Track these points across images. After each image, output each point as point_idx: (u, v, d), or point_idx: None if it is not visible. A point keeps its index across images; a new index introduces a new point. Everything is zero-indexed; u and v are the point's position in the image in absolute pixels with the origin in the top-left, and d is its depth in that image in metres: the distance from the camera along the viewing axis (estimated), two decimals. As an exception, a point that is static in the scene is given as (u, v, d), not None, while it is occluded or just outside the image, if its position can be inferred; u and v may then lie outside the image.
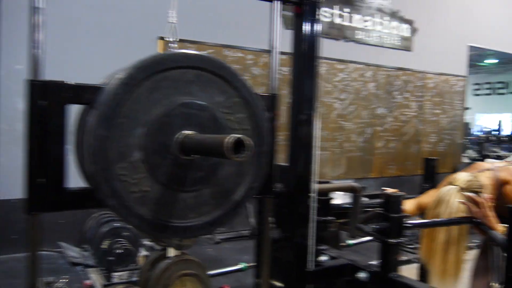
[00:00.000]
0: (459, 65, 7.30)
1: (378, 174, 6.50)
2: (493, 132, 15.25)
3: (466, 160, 7.53)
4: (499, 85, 22.10)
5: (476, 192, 1.84)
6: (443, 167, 7.18)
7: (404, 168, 6.76)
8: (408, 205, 2.09)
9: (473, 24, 7.41)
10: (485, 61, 17.20)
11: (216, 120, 1.05)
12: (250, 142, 0.85)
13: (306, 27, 1.51)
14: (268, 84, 1.49)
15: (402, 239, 1.34)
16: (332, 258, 1.57)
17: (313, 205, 1.42)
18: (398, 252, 1.35)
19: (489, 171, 2.07)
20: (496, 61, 16.93)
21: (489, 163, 2.19)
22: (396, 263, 1.36)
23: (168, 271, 1.28)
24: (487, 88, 22.64)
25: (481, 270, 2.43)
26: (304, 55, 1.52)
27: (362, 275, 1.40)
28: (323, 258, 1.58)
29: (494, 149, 9.70)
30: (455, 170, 7.41)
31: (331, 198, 1.65)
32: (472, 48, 7.45)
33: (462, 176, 1.89)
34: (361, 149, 6.24)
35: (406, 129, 6.70)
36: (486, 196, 1.89)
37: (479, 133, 16.57)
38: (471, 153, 9.33)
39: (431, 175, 2.80)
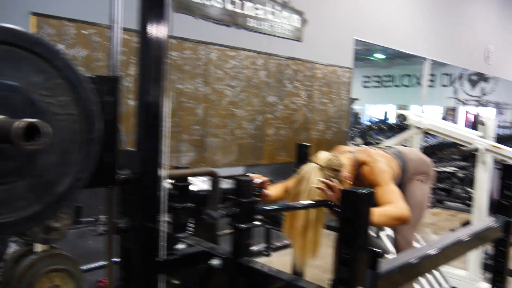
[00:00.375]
0: (346, 57, 7.69)
1: (269, 161, 6.66)
2: (380, 122, 16.37)
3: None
4: (386, 78, 23.82)
5: (336, 170, 1.94)
6: (330, 154, 7.57)
7: (294, 155, 6.98)
8: (274, 189, 2.14)
9: (360, 18, 7.85)
10: (374, 56, 18.35)
11: (32, 103, 0.95)
12: (47, 128, 0.77)
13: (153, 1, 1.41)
14: (109, 65, 1.40)
15: (253, 224, 1.35)
16: (190, 246, 1.55)
17: (165, 191, 1.38)
18: (249, 237, 1.35)
19: (349, 153, 2.19)
20: (383, 56, 18.17)
21: (352, 147, 2.32)
22: (248, 248, 1.36)
23: (33, 267, 1.17)
24: (376, 81, 24.29)
25: None
26: (151, 33, 1.43)
27: (214, 261, 1.39)
28: (180, 246, 1.55)
29: (379, 137, 10.46)
30: (341, 156, 7.86)
31: (189, 184, 1.62)
32: (358, 42, 7.89)
33: (323, 155, 1.98)
34: (252, 136, 6.34)
35: (296, 117, 6.93)
36: (345, 175, 2.00)
37: (367, 122, 17.68)
38: (359, 140, 9.97)
39: (303, 160, 2.89)
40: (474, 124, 3.21)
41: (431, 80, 20.66)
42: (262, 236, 4.64)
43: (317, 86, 7.18)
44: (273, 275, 1.24)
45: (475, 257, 3.37)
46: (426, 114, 3.55)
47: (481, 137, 3.15)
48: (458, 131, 3.21)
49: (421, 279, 3.29)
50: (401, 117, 3.43)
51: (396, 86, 23.15)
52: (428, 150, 6.31)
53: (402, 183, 2.34)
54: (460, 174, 6.52)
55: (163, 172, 1.39)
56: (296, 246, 1.78)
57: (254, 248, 4.40)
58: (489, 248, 3.93)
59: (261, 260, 4.37)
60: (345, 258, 1.03)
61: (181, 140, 5.53)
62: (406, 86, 22.85)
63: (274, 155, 6.72)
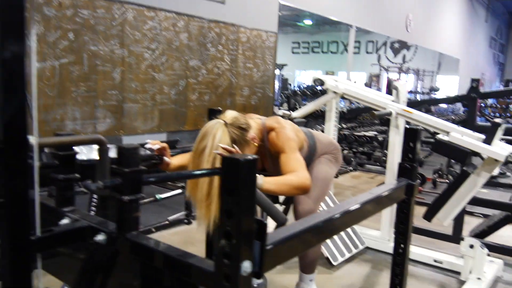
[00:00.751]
0: (271, 22, 7.59)
1: (193, 127, 6.50)
2: (307, 88, 16.55)
3: (279, 113, 8.04)
4: (314, 45, 24.11)
5: (242, 129, 1.85)
6: (255, 120, 7.54)
7: (219, 121, 6.88)
8: (180, 158, 2.03)
9: (285, -18, 7.74)
10: (303, 22, 18.41)
11: None
12: None
13: None
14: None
15: (138, 196, 1.23)
16: (76, 220, 1.40)
17: (36, 161, 1.22)
18: (136, 210, 1.23)
19: (259, 119, 2.12)
20: (311, 22, 18.30)
21: (258, 115, 2.25)
22: (135, 222, 1.25)
23: None
24: (305, 47, 24.52)
25: None
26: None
27: (99, 237, 1.27)
28: (65, 221, 1.40)
29: (306, 103, 10.58)
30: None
31: (75, 153, 1.46)
32: (284, 6, 7.80)
33: (230, 113, 1.88)
34: (174, 101, 6.13)
35: (220, 82, 6.78)
36: (251, 135, 1.92)
37: (296, 88, 17.83)
38: (285, 106, 10.02)
39: None
40: (388, 89, 3.30)
41: (357, 47, 21.20)
42: (183, 204, 4.55)
43: (241, 51, 7.04)
44: (161, 251, 1.13)
45: (387, 217, 3.49)
46: (342, 79, 3.55)
47: (393, 101, 3.21)
48: (372, 95, 3.25)
49: (336, 238, 3.37)
50: (318, 82, 3.41)
51: (324, 52, 23.54)
52: (348, 115, 6.44)
53: (309, 163, 2.31)
54: (380, 138, 6.73)
55: (34, 140, 1.22)
56: (200, 214, 1.69)
57: (175, 216, 4.30)
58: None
59: (182, 228, 4.26)
60: (227, 230, 0.94)
61: (96, 106, 5.22)
62: (333, 52, 23.29)
63: (198, 121, 6.56)
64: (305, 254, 2.35)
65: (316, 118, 6.88)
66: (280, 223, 1.43)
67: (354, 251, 3.41)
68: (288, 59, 23.10)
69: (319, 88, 4.14)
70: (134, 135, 5.64)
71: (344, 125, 7.12)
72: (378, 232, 3.64)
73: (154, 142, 1.89)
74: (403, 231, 1.86)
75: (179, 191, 4.92)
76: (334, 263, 3.19)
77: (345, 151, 7.20)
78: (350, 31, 10.32)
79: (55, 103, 4.84)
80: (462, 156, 2.65)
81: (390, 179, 3.39)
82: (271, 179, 1.75)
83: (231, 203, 0.93)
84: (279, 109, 9.22)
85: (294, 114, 3.69)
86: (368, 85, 16.55)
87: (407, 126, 1.81)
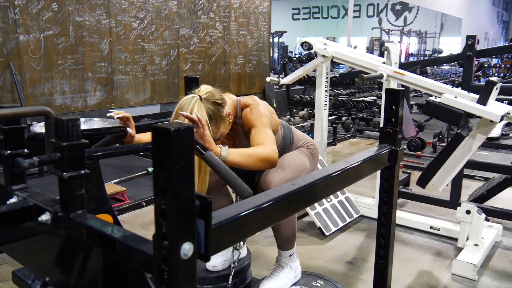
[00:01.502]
0: (264, -14, 7.34)
1: (187, 98, 6.36)
2: (305, 55, 16.29)
3: (267, 79, 7.83)
4: (315, 10, 23.59)
5: (217, 104, 1.79)
6: (252, 88, 7.38)
7: (213, 91, 6.73)
8: (147, 135, 1.92)
9: None
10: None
11: None
12: None
13: None
14: None
15: (82, 172, 1.11)
16: (24, 199, 1.30)
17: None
18: (79, 188, 1.12)
19: (236, 96, 2.04)
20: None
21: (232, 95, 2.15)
22: (80, 201, 1.14)
23: None
24: (305, 13, 24.02)
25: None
26: None
27: (43, 217, 1.16)
28: (12, 200, 1.30)
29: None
30: (263, 90, 7.68)
31: (23, 127, 1.35)
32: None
33: (205, 87, 1.81)
34: (166, 72, 5.98)
35: (213, 50, 6.59)
36: (226, 111, 1.83)
37: (297, 56, 17.56)
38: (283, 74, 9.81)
39: None
40: (381, 50, 3.15)
41: (357, 11, 20.72)
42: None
43: (234, 17, 6.83)
44: (102, 232, 1.03)
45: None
46: (331, 42, 3.38)
47: (384, 63, 3.05)
48: (362, 58, 3.08)
49: (329, 208, 3.28)
50: (306, 45, 3.24)
51: (324, 18, 23.05)
52: (341, 79, 6.25)
53: (282, 153, 2.16)
54: (380, 103, 6.56)
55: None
56: None
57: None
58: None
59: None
60: (162, 209, 0.82)
61: (85, 78, 5.08)
62: (334, 17, 22.82)
63: (192, 92, 6.42)
64: (279, 230, 2.18)
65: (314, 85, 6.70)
66: (243, 196, 1.32)
67: (348, 220, 3.32)
68: (288, 26, 22.70)
69: (308, 52, 3.97)
70: (126, 107, 5.52)
71: (342, 91, 6.95)
72: (373, 200, 3.54)
73: (117, 112, 1.77)
74: (387, 200, 1.75)
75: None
76: (327, 233, 3.11)
77: (344, 118, 7.05)
78: (350, -6, 10.00)
79: (42, 76, 4.71)
80: (455, 118, 2.51)
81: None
82: (236, 151, 1.66)
83: (163, 178, 0.82)
84: (269, 76, 9.02)
85: (283, 80, 3.54)
86: (370, 49, 16.19)
87: (388, 88, 1.67)
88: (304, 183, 1.19)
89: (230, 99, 1.96)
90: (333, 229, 3.17)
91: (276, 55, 17.57)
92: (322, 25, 23.08)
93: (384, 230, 1.79)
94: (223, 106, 1.83)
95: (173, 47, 5.99)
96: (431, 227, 3.19)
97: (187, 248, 0.86)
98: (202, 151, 1.44)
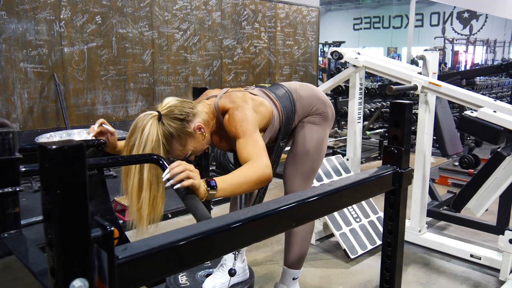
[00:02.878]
0: (312, -5, 7.18)
1: (230, 109, 6.32)
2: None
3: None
4: (376, 20, 23.03)
5: (181, 120, 1.60)
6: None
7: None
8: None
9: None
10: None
11: None
12: None
13: None
14: None
15: (15, 189, 1.04)
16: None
17: None
18: (13, 206, 1.05)
19: (214, 98, 1.82)
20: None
21: (221, 90, 1.90)
22: (15, 220, 1.06)
23: None
24: (367, 23, 23.50)
25: (233, 201, 2.38)
26: None
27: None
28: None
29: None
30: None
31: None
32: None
33: (166, 102, 1.62)
34: (208, 82, 5.96)
35: (257, 61, 6.51)
36: (196, 125, 1.66)
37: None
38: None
39: None
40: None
41: (419, 20, 19.95)
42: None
43: (280, 27, 6.72)
44: (21, 258, 0.94)
45: (417, 205, 3.10)
46: (365, 51, 3.17)
47: (420, 74, 2.80)
48: (395, 68, 2.85)
49: (357, 228, 3.05)
50: (336, 55, 3.06)
51: (385, 27, 22.42)
52: (380, 91, 5.92)
53: (286, 133, 1.98)
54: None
55: None
56: (131, 208, 1.48)
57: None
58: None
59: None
60: (48, 238, 0.72)
61: (127, 89, 5.17)
62: (396, 27, 22.14)
63: (235, 103, 6.37)
64: (290, 247, 2.06)
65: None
66: (201, 221, 1.16)
67: (378, 243, 3.07)
68: (349, 36, 22.30)
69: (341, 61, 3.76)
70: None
71: (384, 103, 6.61)
72: (408, 222, 3.27)
73: (92, 129, 1.69)
74: (392, 229, 1.54)
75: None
76: (352, 256, 2.88)
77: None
78: (411, 2, 9.62)
79: (84, 87, 4.83)
80: (494, 136, 2.24)
81: (419, 164, 3.00)
82: (225, 184, 1.40)
83: (48, 203, 0.70)
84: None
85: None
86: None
87: (393, 100, 1.47)
88: (262, 210, 1.04)
89: (207, 105, 1.77)
90: (360, 252, 2.94)
91: (333, 65, 17.28)
92: (383, 35, 22.47)
93: (389, 263, 1.58)
94: (188, 121, 1.62)
95: (216, 57, 5.98)
96: (471, 255, 2.87)
97: (76, 286, 0.74)
98: (184, 195, 1.28)
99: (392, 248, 1.56)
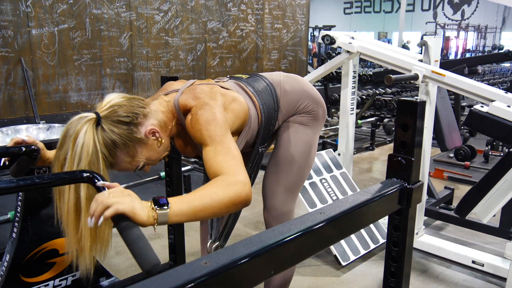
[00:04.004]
0: (303, -24, 6.82)
1: (214, 96, 5.99)
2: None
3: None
4: (366, 3, 22.67)
5: (125, 123, 1.25)
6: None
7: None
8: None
9: None
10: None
11: None
12: None
13: None
14: None
15: None
16: None
17: None
18: None
19: (175, 92, 1.47)
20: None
21: (185, 81, 1.54)
22: None
23: None
24: (357, 7, 23.13)
25: (203, 224, 1.97)
26: None
27: None
28: None
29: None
30: (300, 88, 7.19)
31: None
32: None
33: (108, 100, 1.26)
34: (192, 68, 5.62)
35: (244, 45, 6.17)
36: (149, 128, 1.30)
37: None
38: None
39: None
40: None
41: (411, 5, 19.63)
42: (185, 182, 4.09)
43: (268, 10, 6.36)
44: None
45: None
46: (359, 35, 2.87)
47: (421, 61, 2.51)
48: (393, 54, 2.56)
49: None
50: (327, 40, 2.75)
51: (376, 12, 22.08)
52: (375, 78, 5.63)
53: (267, 136, 1.65)
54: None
55: None
56: (68, 239, 1.17)
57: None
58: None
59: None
60: None
61: (103, 75, 4.81)
62: (387, 12, 21.81)
63: (220, 89, 6.03)
64: (271, 279, 1.72)
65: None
66: (146, 269, 0.85)
67: (372, 247, 2.81)
68: (340, 21, 21.90)
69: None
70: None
71: (388, 90, 6.34)
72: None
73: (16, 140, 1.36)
74: (396, 256, 1.26)
75: (189, 167, 4.46)
76: (343, 263, 2.62)
77: (386, 120, 6.45)
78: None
79: (56, 72, 4.47)
80: (506, 133, 1.96)
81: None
82: (182, 205, 1.05)
83: None
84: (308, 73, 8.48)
85: (302, 80, 3.06)
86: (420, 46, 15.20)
87: (400, 98, 1.18)
88: (227, 260, 0.74)
89: (164, 102, 1.42)
90: (352, 258, 2.67)
91: (323, 50, 16.94)
92: (374, 19, 22.14)
93: (391, 293, 1.30)
94: (137, 124, 1.28)
95: (199, 41, 5.62)
96: (474, 262, 2.62)
97: None
98: (116, 224, 0.97)
99: (397, 280, 1.28)
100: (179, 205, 1.04)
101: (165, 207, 1.01)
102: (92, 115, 1.20)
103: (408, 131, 1.19)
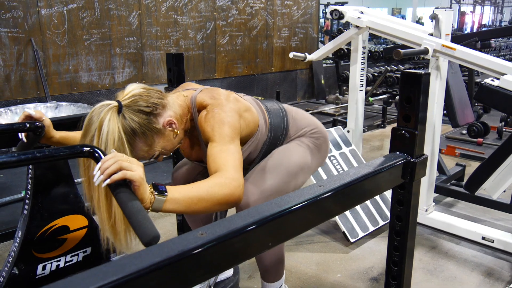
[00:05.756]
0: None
1: (224, 74, 5.97)
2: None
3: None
4: (380, -22, 22.15)
5: (147, 113, 1.29)
6: (298, 64, 6.84)
7: (254, 66, 6.28)
8: (72, 133, 1.52)
9: None
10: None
11: None
12: None
13: None
14: None
15: None
16: None
17: None
18: None
19: (193, 91, 1.51)
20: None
21: (203, 86, 1.58)
22: None
23: None
24: (370, -18, 22.63)
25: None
26: None
27: None
28: None
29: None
30: (311, 66, 7.12)
31: None
32: None
33: (130, 89, 1.30)
34: (201, 47, 5.59)
35: (254, 23, 6.10)
36: (167, 119, 1.35)
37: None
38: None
39: (180, 79, 2.25)
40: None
41: (426, -22, 19.14)
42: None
43: (277, -14, 6.27)
44: None
45: (425, 182, 2.81)
46: (368, 10, 2.82)
47: (431, 35, 2.46)
48: (403, 29, 2.51)
49: (358, 208, 2.79)
50: (336, 14, 2.70)
51: (390, -14, 21.58)
52: (386, 54, 5.53)
53: (271, 149, 1.66)
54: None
55: None
56: (103, 222, 1.18)
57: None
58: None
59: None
60: None
61: (112, 54, 4.81)
62: (401, -14, 21.32)
63: (230, 68, 6.01)
64: (261, 258, 1.68)
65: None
66: (145, 241, 0.87)
67: (381, 223, 2.81)
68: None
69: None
70: (158, 84, 5.22)
71: (395, 67, 6.24)
72: (415, 199, 2.98)
73: (27, 114, 1.38)
74: (400, 230, 1.26)
75: None
76: (352, 240, 2.62)
77: (398, 97, 6.37)
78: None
79: (66, 53, 4.48)
80: (517, 108, 1.93)
81: (428, 137, 2.70)
82: (178, 194, 1.09)
83: None
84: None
85: (310, 56, 3.03)
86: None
87: (404, 71, 1.15)
88: (223, 231, 0.75)
89: (182, 96, 1.46)
90: (361, 234, 2.68)
91: (335, 27, 16.72)
92: (387, -6, 21.68)
93: (396, 270, 1.31)
94: (156, 115, 1.32)
95: (209, 19, 5.58)
96: (483, 238, 2.61)
97: None
98: (115, 191, 0.98)
99: (400, 254, 1.29)
100: (175, 194, 1.09)
101: (164, 194, 1.07)
102: (114, 103, 1.24)
103: (412, 104, 1.18)
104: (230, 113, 1.38)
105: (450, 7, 15.27)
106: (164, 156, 1.43)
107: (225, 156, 1.26)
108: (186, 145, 1.59)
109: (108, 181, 0.98)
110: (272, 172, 1.58)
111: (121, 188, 0.98)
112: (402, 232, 1.27)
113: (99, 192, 1.15)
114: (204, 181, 1.17)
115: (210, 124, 1.35)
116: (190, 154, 1.60)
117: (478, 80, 6.50)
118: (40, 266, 1.87)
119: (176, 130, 1.38)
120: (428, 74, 1.17)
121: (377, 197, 2.93)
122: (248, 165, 1.67)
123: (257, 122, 1.55)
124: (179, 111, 1.41)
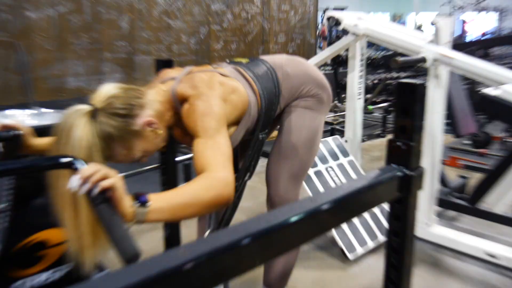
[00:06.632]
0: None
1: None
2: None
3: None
4: (379, -17, 22.14)
5: (122, 116, 1.18)
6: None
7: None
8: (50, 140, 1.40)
9: None
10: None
11: None
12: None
13: None
14: None
15: None
16: None
17: None
18: None
19: (172, 81, 1.38)
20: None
21: (182, 69, 1.48)
22: None
23: None
24: (370, -14, 22.62)
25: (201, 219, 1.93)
26: None
27: None
28: None
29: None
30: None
31: None
32: None
33: (105, 91, 1.20)
34: (195, 52, 5.46)
35: (249, 28, 5.98)
36: (145, 120, 1.24)
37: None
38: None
39: None
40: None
41: (425, -16, 19.09)
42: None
43: (274, -10, 6.16)
44: None
45: (426, 195, 2.67)
46: (367, 16, 2.68)
47: (431, 43, 2.33)
48: (401, 36, 2.38)
49: (357, 223, 2.65)
50: (333, 21, 2.57)
51: (391, -8, 21.57)
52: (384, 62, 5.42)
53: (268, 121, 1.58)
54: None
55: None
56: (69, 237, 1.08)
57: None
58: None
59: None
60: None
61: (102, 59, 4.68)
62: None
63: (225, 74, 5.87)
64: (272, 263, 1.68)
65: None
66: (125, 258, 0.78)
67: (381, 239, 2.67)
68: (353, 1, 21.44)
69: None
70: (150, 91, 5.08)
71: (395, 74, 6.12)
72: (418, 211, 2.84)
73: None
74: (397, 247, 1.13)
75: (190, 155, 4.33)
76: (351, 257, 2.48)
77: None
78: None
79: (53, 57, 4.34)
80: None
81: (429, 149, 2.56)
82: (162, 203, 1.01)
83: None
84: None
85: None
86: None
87: (400, 81, 1.03)
88: (207, 248, 0.62)
89: (158, 91, 1.35)
90: (360, 251, 2.53)
91: (334, 33, 16.66)
92: (389, 1, 21.68)
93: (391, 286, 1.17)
94: (134, 116, 1.22)
95: (203, 24, 5.45)
96: (486, 253, 2.46)
97: None
98: (95, 203, 0.90)
99: (398, 272, 1.15)
100: (158, 203, 0.99)
101: (146, 204, 0.97)
102: (87, 107, 1.14)
103: (408, 115, 1.06)
104: (214, 101, 1.30)
105: (452, 15, 15.21)
106: (147, 156, 1.34)
107: (210, 153, 1.18)
108: (179, 134, 1.48)
109: (97, 190, 0.90)
110: (290, 153, 1.62)
111: (102, 200, 0.91)
112: (399, 248, 1.14)
113: (64, 201, 1.05)
114: (189, 185, 1.10)
115: (192, 120, 1.27)
116: (185, 141, 1.49)
117: (479, 89, 6.39)
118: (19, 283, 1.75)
119: (157, 130, 1.28)
120: (424, 85, 1.05)
121: (377, 211, 2.79)
122: (250, 135, 1.59)
123: (246, 99, 1.47)
124: (160, 108, 1.31)
